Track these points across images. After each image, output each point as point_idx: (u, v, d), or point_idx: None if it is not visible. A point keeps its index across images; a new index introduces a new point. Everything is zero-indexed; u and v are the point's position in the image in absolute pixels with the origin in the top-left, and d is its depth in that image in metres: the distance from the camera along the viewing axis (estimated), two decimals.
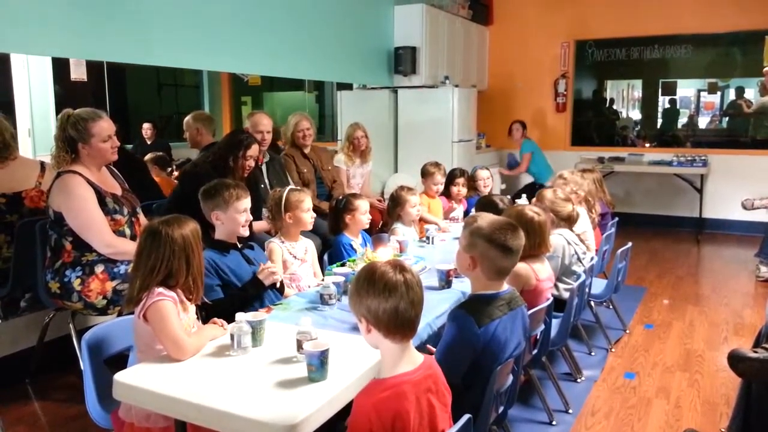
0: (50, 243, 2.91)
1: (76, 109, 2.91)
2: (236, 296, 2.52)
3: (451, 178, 4.69)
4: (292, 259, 2.96)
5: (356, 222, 3.31)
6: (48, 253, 2.93)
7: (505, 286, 2.14)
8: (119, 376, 1.77)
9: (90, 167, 2.89)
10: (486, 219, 2.14)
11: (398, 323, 1.57)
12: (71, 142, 2.84)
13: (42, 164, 3.31)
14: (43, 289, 2.96)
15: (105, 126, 2.88)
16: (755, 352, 2.20)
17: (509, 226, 2.12)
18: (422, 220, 4.15)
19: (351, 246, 3.24)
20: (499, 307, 2.05)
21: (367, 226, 3.42)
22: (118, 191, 3.01)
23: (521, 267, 2.72)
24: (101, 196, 2.85)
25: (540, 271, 2.75)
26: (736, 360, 2.19)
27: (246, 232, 2.63)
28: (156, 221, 2.01)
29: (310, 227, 3.03)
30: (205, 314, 2.35)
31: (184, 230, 1.96)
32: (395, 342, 1.60)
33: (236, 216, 2.57)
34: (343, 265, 2.85)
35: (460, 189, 4.68)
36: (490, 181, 4.93)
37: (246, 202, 2.61)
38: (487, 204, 3.52)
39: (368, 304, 1.58)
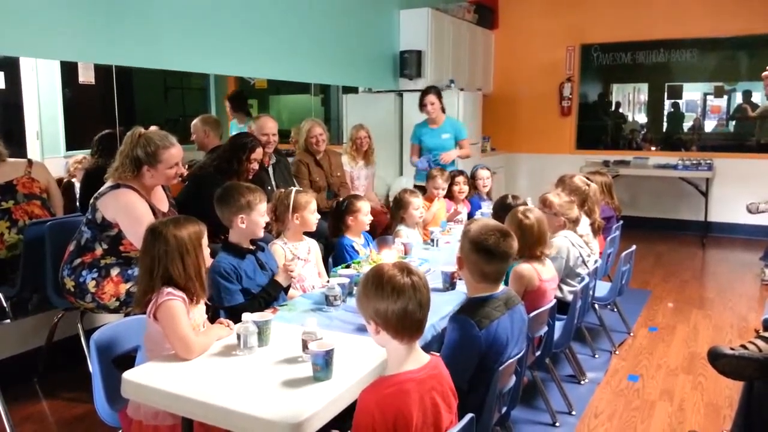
0: (80, 240, 2.88)
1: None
2: (259, 299, 2.55)
3: (451, 179, 4.70)
4: (295, 259, 2.98)
5: (358, 223, 3.33)
6: (71, 247, 2.90)
7: (501, 287, 2.15)
8: (128, 375, 1.80)
9: (147, 186, 2.88)
10: (479, 222, 2.16)
11: (406, 324, 1.60)
12: (137, 162, 2.79)
13: (29, 160, 3.47)
14: (58, 284, 2.95)
15: (174, 153, 2.86)
16: (732, 348, 2.20)
17: (498, 231, 2.09)
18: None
19: (353, 247, 3.26)
20: (496, 307, 2.06)
21: (368, 228, 3.44)
22: (166, 207, 3.01)
23: (525, 268, 2.74)
24: (154, 214, 2.87)
25: (543, 272, 2.77)
26: (714, 357, 2.20)
27: (262, 233, 2.68)
28: (157, 221, 2.03)
29: (314, 228, 3.06)
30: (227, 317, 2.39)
31: (180, 231, 1.96)
32: (403, 343, 1.62)
33: (259, 219, 2.61)
34: (348, 266, 2.88)
35: (461, 188, 4.68)
36: (489, 181, 4.94)
37: (265, 205, 2.66)
38: (503, 206, 3.50)
39: (376, 306, 1.60)
